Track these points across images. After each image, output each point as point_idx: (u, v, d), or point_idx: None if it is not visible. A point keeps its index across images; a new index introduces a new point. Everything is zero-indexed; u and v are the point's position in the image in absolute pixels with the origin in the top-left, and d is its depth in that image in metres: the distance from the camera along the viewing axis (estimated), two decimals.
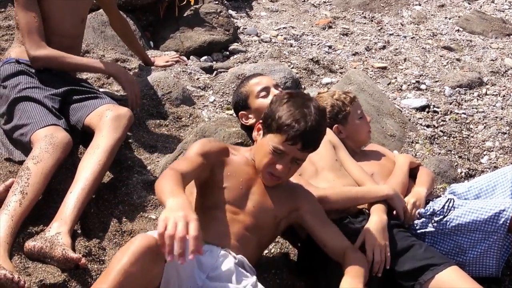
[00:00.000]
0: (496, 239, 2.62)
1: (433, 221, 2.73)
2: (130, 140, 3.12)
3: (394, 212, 2.72)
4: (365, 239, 2.47)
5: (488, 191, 2.85)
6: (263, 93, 2.86)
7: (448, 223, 2.70)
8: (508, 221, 2.57)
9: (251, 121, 2.89)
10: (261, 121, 2.31)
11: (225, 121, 3.17)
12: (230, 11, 5.04)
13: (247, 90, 2.91)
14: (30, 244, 2.38)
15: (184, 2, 4.62)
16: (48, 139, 2.62)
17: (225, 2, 4.99)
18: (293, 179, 2.44)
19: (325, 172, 2.69)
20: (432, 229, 2.73)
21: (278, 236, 2.67)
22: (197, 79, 4.03)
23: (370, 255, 2.43)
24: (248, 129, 2.92)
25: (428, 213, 2.76)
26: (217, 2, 4.78)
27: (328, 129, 2.94)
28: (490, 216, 2.61)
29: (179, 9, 4.60)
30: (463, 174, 3.49)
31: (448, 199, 2.78)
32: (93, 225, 2.59)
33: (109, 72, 3.17)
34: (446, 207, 2.73)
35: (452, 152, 3.72)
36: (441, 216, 2.72)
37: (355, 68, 4.40)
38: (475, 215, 2.64)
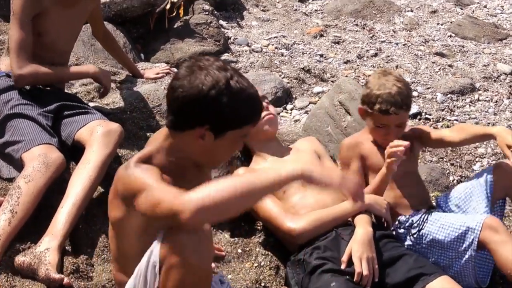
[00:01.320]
0: (468, 258, 2.59)
1: (410, 234, 2.72)
2: (120, 154, 3.11)
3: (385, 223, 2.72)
4: (352, 252, 2.47)
5: (466, 199, 2.82)
6: None
7: (424, 237, 2.68)
8: (476, 241, 2.54)
9: None
10: (208, 126, 1.88)
11: None
12: (221, 22, 5.03)
13: None
14: (20, 259, 2.39)
15: (174, 14, 4.63)
16: (41, 159, 2.61)
17: (216, 12, 4.99)
18: None
19: (312, 186, 2.68)
20: (410, 243, 2.72)
21: (268, 249, 2.67)
22: None
23: (359, 268, 2.43)
24: None
25: (407, 225, 2.75)
26: (207, 13, 4.78)
27: (313, 138, 2.96)
28: (458, 235, 2.59)
29: (169, 20, 4.60)
30: (455, 181, 3.47)
31: (426, 211, 2.77)
32: (81, 241, 2.58)
33: (92, 76, 3.16)
34: (421, 219, 2.72)
35: (444, 159, 3.70)
36: (417, 230, 2.71)
37: (346, 76, 4.40)
38: (446, 232, 2.62)
